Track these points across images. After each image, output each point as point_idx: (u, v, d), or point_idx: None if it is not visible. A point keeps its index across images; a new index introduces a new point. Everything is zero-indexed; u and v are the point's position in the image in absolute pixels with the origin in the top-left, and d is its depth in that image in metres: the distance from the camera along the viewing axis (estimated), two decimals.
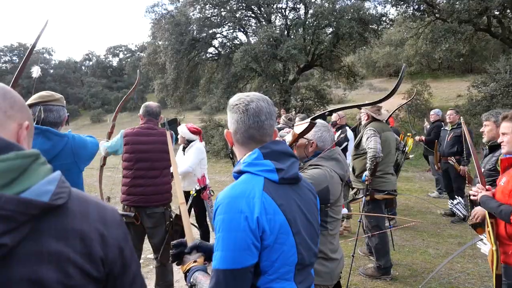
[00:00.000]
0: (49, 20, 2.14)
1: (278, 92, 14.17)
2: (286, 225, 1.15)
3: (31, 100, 2.09)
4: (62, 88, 46.24)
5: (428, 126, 8.31)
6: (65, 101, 2.23)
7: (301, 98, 16.05)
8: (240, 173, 1.25)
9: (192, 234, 1.59)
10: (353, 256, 3.60)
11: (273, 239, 1.12)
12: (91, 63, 54.04)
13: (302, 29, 13.98)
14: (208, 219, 4.19)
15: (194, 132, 4.14)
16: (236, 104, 1.25)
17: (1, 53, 48.99)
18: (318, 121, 1.93)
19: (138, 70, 3.89)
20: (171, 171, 3.14)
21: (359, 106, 2.20)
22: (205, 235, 4.23)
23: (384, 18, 13.99)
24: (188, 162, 4.02)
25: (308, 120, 1.62)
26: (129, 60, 47.30)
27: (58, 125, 2.13)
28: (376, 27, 13.90)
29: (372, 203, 3.80)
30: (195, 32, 14.32)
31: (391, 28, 16.18)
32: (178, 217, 3.19)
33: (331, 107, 16.93)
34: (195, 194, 3.91)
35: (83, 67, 54.42)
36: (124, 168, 3.08)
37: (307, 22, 13.94)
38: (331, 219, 1.94)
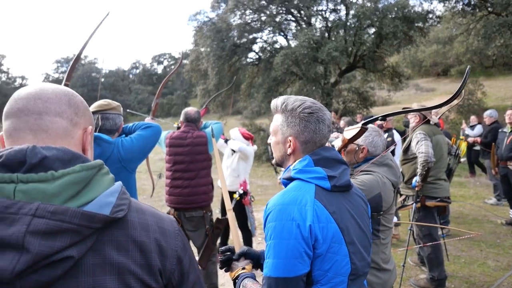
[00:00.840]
0: (110, 12, 2.22)
1: (320, 95, 13.97)
2: (339, 234, 1.12)
3: (91, 108, 2.20)
4: (112, 95, 48.86)
5: (467, 129, 7.76)
6: (121, 109, 2.33)
7: (343, 100, 15.73)
8: (290, 179, 1.23)
9: (240, 240, 1.58)
10: (403, 266, 3.43)
11: (326, 248, 1.09)
12: (138, 71, 56.73)
13: (343, 31, 13.70)
14: (249, 224, 4.20)
15: (247, 137, 4.22)
16: (311, 113, 1.20)
17: (59, 64, 52.96)
18: (369, 125, 1.86)
19: (179, 52, 3.96)
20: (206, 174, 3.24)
21: (418, 111, 2.07)
22: (247, 240, 4.24)
23: (430, 15, 13.34)
24: (239, 143, 4.11)
25: (359, 125, 1.56)
26: (172, 67, 49.01)
27: (113, 132, 2.23)
28: (422, 25, 13.28)
29: (423, 210, 3.60)
30: (235, 38, 14.54)
31: (439, 25, 15.38)
32: (219, 220, 3.24)
33: (374, 110, 16.47)
34: (238, 198, 3.94)
35: (130, 75, 57.24)
36: (166, 170, 3.27)
37: (348, 23, 13.64)
38: (383, 227, 1.85)
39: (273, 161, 1.35)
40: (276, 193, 1.22)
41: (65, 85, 2.14)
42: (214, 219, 3.29)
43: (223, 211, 4.26)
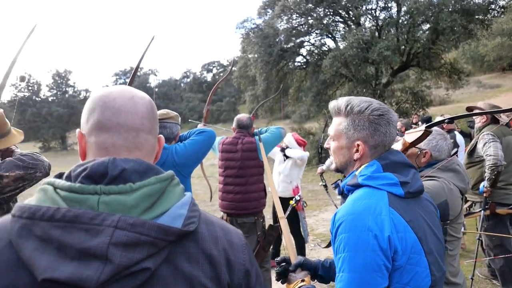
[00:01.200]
0: (155, 36, 2.32)
1: (371, 96, 13.47)
2: (418, 244, 1.04)
3: None
4: (165, 104, 51.16)
5: None
6: (179, 118, 2.42)
7: (396, 101, 15.04)
8: (356, 186, 1.15)
9: (294, 251, 1.54)
10: (472, 279, 3.16)
11: (405, 260, 1.02)
12: (188, 80, 58.95)
13: (395, 29, 13.12)
14: (301, 230, 4.13)
15: (300, 144, 4.20)
16: (381, 115, 1.13)
17: (117, 77, 56.77)
18: (433, 128, 1.74)
19: (228, 60, 4.02)
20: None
21: (492, 113, 1.88)
22: (300, 247, 4.17)
23: (493, 6, 12.34)
24: (300, 151, 4.11)
25: (422, 127, 1.46)
26: (221, 74, 50.31)
27: (170, 140, 2.33)
28: (483, 17, 12.32)
29: (494, 218, 3.30)
30: (283, 43, 14.55)
31: (502, 16, 14.17)
32: (272, 227, 3.21)
33: (431, 110, 15.52)
34: (295, 204, 3.89)
35: (182, 84, 59.63)
36: (219, 175, 3.33)
37: (400, 21, 13.05)
38: (450, 237, 1.71)
39: (333, 167, 1.29)
40: (327, 198, 1.16)
41: None
42: (267, 226, 3.28)
43: (275, 218, 4.23)
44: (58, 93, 44.20)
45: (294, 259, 1.41)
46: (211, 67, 57.65)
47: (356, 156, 1.17)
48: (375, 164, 1.12)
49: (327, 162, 4.57)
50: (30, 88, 42.81)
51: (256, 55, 14.60)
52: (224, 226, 0.79)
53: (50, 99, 43.28)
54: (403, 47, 13.25)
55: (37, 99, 42.76)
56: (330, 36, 15.17)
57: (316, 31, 14.84)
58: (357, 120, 1.14)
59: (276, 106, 16.38)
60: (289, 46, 14.62)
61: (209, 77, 57.44)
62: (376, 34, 13.67)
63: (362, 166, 1.15)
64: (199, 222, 0.71)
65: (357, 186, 1.14)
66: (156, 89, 53.37)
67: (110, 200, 0.63)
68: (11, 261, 0.60)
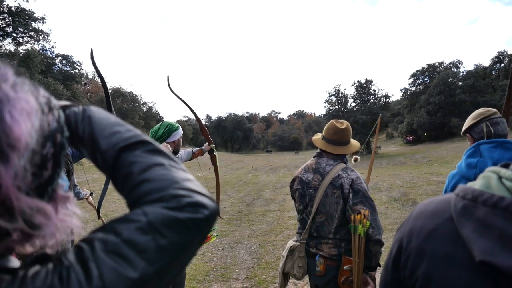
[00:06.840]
0: None
1: None
2: None
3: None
4: (472, 98, 45.04)
5: None
6: None
7: None
8: None
9: None
10: None
11: None
12: (502, 65, 49.10)
13: None
14: None
15: None
16: None
17: (415, 77, 55.54)
18: None
19: None
20: None
21: None
22: None
23: None
24: None
25: None
26: None
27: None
28: None
29: None
30: None
31: None
32: None
33: None
34: None
35: (493, 72, 50.57)
36: None
37: None
38: None
39: None
40: None
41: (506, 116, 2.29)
42: None
43: None
44: (361, 102, 48.62)
45: None
46: None
47: None
48: None
49: None
50: (339, 101, 49.67)
51: None
52: None
53: (355, 109, 48.34)
54: None
55: (344, 110, 48.91)
56: None
57: None
58: None
59: None
60: None
61: None
62: None
63: None
64: None
65: None
66: (460, 83, 47.90)
67: None
68: (451, 233, 0.66)
